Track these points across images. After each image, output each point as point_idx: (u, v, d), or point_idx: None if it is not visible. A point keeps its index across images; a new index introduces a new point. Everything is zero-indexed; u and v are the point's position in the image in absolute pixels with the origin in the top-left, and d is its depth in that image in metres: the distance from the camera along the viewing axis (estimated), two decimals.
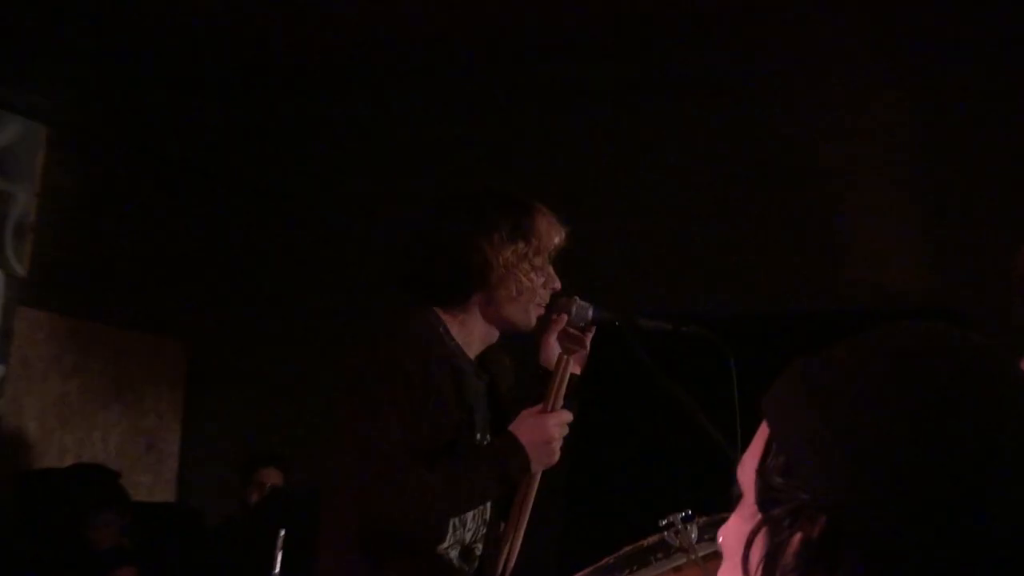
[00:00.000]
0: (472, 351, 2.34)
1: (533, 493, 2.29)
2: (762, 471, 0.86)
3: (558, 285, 2.38)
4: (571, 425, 2.29)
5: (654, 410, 3.02)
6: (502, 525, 2.34)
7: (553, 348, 2.39)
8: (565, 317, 2.38)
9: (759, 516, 0.85)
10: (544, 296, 2.36)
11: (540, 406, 2.25)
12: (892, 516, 0.78)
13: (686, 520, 1.96)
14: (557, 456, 2.25)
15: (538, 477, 2.28)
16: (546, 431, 2.22)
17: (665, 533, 1.96)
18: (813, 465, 0.81)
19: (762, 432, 0.89)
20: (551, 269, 2.38)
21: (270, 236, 6.12)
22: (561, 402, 2.27)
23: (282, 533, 3.47)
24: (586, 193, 5.09)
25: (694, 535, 1.95)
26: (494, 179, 2.59)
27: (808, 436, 0.82)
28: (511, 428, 2.24)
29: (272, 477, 4.91)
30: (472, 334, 2.33)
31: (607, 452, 4.85)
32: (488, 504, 2.33)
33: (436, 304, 2.32)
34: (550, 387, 2.27)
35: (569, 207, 2.43)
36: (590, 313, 2.40)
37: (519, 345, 2.46)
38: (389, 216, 5.11)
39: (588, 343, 2.43)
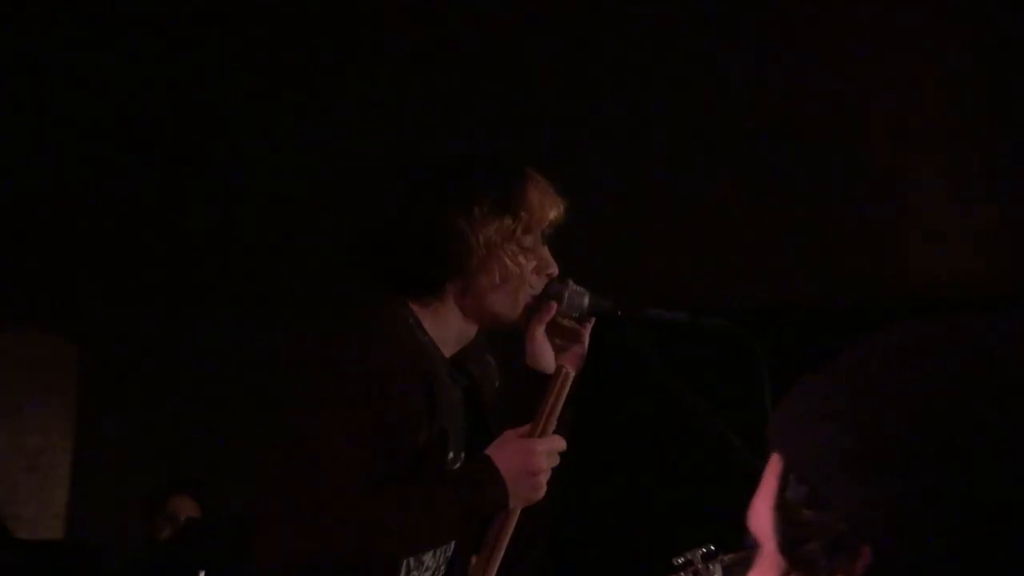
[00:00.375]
0: (448, 349, 2.32)
1: (510, 530, 2.25)
2: (782, 507, 0.86)
3: (554, 270, 2.36)
4: (564, 437, 2.25)
5: (664, 420, 3.03)
6: (472, 562, 2.33)
7: (541, 344, 2.38)
8: (555, 305, 2.35)
9: (785, 563, 0.85)
10: (536, 284, 2.33)
11: (527, 427, 2.21)
12: (954, 534, 0.78)
13: (707, 558, 1.98)
14: (542, 491, 2.21)
15: (517, 512, 2.24)
16: (532, 460, 2.18)
17: (682, 573, 1.97)
18: (849, 486, 0.81)
19: (773, 466, 0.88)
20: (545, 251, 2.35)
21: (183, 215, 6.06)
22: (554, 426, 2.23)
23: (201, 575, 3.48)
24: (586, 160, 5.09)
25: None
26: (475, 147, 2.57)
27: (838, 452, 0.82)
28: (489, 452, 2.20)
29: (186, 507, 4.91)
30: (448, 329, 2.31)
31: (606, 470, 4.87)
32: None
33: (405, 293, 2.30)
34: (542, 405, 2.23)
35: (567, 175, 2.39)
36: (586, 300, 2.37)
37: (507, 340, 2.43)
38: (331, 193, 5.11)
39: (585, 338, 2.41)
